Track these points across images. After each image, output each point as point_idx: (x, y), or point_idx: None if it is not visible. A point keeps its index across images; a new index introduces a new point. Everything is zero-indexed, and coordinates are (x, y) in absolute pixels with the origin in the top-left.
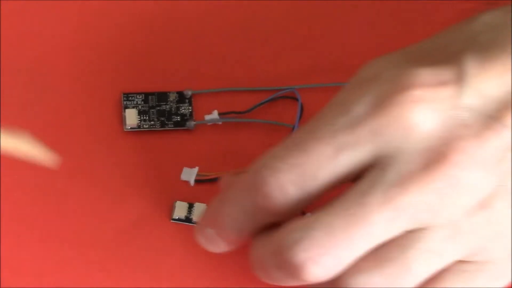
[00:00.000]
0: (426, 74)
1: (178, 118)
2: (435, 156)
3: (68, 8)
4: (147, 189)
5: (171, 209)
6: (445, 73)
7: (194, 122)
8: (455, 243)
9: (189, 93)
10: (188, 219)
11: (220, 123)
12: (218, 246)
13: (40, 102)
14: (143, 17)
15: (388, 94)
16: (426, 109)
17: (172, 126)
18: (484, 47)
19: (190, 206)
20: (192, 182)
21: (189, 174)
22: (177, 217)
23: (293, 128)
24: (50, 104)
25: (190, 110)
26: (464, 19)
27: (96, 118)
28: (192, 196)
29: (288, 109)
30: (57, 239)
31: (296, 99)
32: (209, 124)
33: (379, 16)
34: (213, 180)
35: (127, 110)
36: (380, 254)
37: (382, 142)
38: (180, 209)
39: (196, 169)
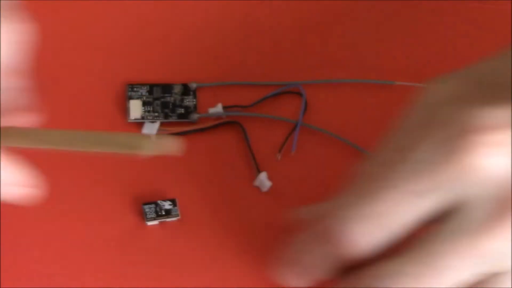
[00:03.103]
0: (494, 117)
1: (182, 111)
2: (508, 203)
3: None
4: (150, 183)
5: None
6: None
7: (198, 115)
8: None
9: (194, 85)
10: None
11: (224, 116)
12: (304, 281)
13: (44, 92)
14: (149, 9)
15: (459, 138)
16: (497, 155)
17: (176, 118)
18: None
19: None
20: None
21: (151, 128)
22: None
23: (296, 124)
24: (54, 94)
25: (194, 103)
26: None
27: (100, 108)
28: (196, 191)
29: (292, 104)
30: (57, 239)
31: (301, 95)
32: (212, 117)
33: (385, 14)
34: (177, 134)
35: (131, 101)
36: None
37: (457, 189)
38: None
39: (157, 123)
